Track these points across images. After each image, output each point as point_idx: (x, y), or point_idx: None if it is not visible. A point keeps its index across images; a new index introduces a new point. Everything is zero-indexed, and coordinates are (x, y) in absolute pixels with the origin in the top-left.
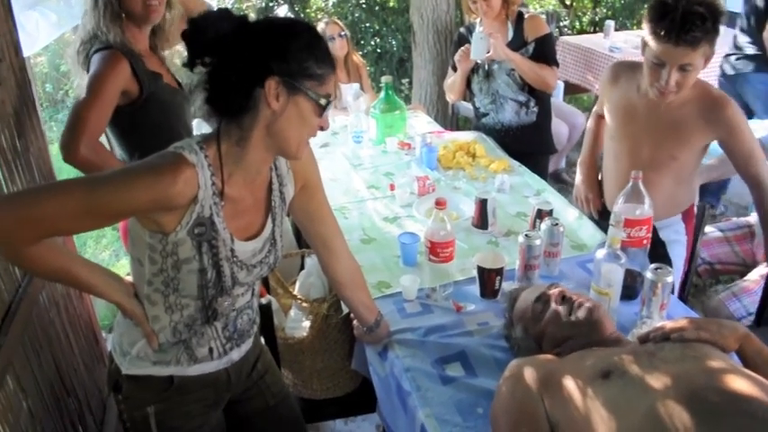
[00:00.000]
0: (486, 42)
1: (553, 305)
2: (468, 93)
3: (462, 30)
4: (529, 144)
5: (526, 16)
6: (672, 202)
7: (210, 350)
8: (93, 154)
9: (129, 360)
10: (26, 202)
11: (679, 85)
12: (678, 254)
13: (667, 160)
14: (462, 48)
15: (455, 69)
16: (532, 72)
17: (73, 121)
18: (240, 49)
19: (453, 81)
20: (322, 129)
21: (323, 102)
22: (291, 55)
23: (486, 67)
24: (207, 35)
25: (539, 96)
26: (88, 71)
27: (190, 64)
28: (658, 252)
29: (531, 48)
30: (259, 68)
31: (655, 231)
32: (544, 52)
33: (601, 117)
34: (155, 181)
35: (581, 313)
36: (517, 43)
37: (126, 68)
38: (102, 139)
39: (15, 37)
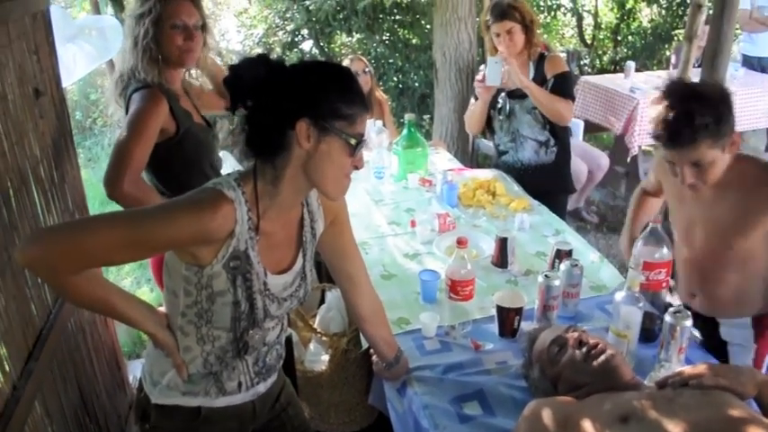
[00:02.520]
0: (501, 67)
1: (570, 350)
2: (487, 130)
3: (483, 66)
4: (548, 183)
5: (548, 56)
6: (737, 301)
7: (239, 384)
8: (136, 189)
9: (159, 390)
10: (73, 234)
11: (701, 179)
12: (740, 360)
13: (723, 250)
14: (478, 76)
15: (477, 98)
16: (547, 101)
17: (117, 158)
18: (273, 93)
19: (473, 111)
20: (357, 168)
21: (353, 141)
22: (321, 97)
23: (508, 107)
24: (245, 80)
25: (558, 136)
26: (125, 105)
27: (232, 107)
28: (716, 351)
29: (549, 84)
30: (290, 111)
31: (715, 326)
32: (561, 86)
33: (647, 193)
34: (196, 215)
35: (598, 361)
36: (537, 81)
37: (165, 106)
38: None
39: (57, 71)
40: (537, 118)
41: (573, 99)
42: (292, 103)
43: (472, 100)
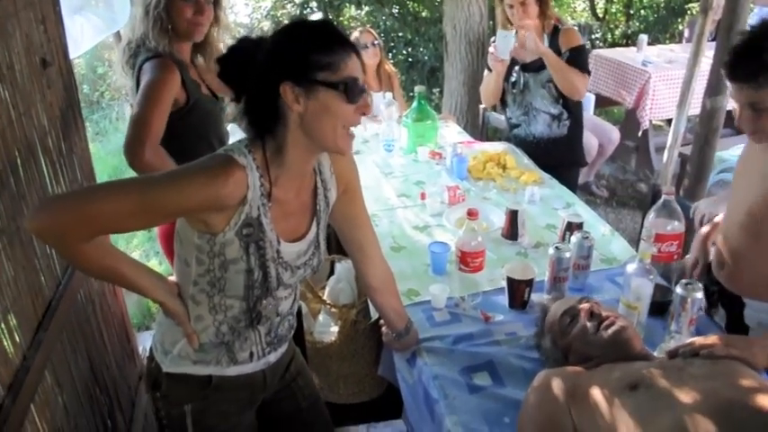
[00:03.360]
0: (512, 40)
1: (581, 321)
2: (499, 103)
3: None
4: (560, 157)
5: (562, 29)
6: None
7: (251, 354)
8: (156, 158)
9: (170, 359)
10: (83, 201)
11: (759, 126)
12: None
13: (757, 223)
14: (490, 49)
15: (490, 70)
16: (563, 72)
17: (136, 128)
18: (256, 69)
19: (487, 83)
20: (364, 114)
21: (342, 87)
22: (294, 54)
23: (522, 80)
24: (232, 69)
25: (571, 109)
26: (136, 74)
27: (236, 97)
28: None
29: (564, 57)
30: (271, 80)
31: (741, 308)
32: (577, 60)
33: None
34: (207, 181)
35: (609, 332)
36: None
37: (178, 77)
38: None
39: (64, 42)
40: (551, 91)
41: (588, 73)
42: (271, 72)
43: (486, 72)
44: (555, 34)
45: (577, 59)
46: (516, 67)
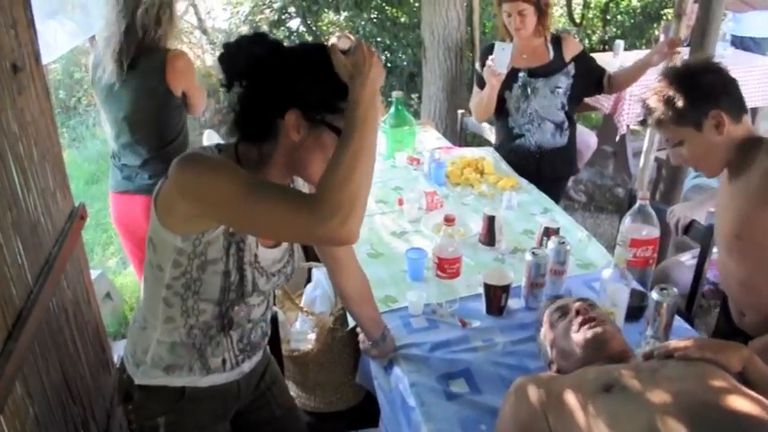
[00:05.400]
0: (509, 52)
1: (569, 316)
2: (494, 115)
3: (486, 47)
4: (561, 167)
5: (562, 36)
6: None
7: (224, 361)
8: None
9: (141, 371)
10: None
11: (682, 158)
12: None
13: (732, 240)
14: (488, 61)
15: (481, 86)
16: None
17: None
18: (267, 77)
19: (481, 98)
20: None
21: None
22: (314, 89)
23: (530, 86)
24: (238, 60)
25: (571, 118)
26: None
27: (228, 85)
28: None
29: (571, 67)
30: (281, 99)
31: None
32: (595, 66)
33: None
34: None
35: (587, 333)
36: (558, 63)
37: None
38: None
39: (36, 46)
40: (559, 97)
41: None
42: (284, 92)
43: (475, 89)
44: (557, 43)
45: (592, 65)
46: (521, 74)
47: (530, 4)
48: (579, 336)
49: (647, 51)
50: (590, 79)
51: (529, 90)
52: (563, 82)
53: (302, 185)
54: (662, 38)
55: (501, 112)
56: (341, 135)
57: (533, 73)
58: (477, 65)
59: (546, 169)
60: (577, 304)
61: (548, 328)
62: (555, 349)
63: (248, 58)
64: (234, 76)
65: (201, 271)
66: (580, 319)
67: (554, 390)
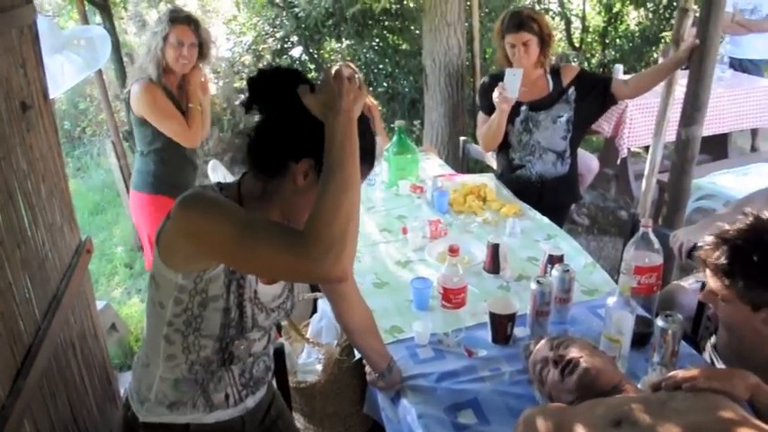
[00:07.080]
0: (520, 77)
1: (550, 368)
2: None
3: (486, 79)
4: (563, 195)
5: (561, 66)
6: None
7: (227, 396)
8: None
9: (146, 408)
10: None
11: (714, 305)
12: None
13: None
14: (498, 88)
15: (486, 113)
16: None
17: None
18: (292, 119)
19: (490, 125)
20: None
21: None
22: None
23: (532, 119)
24: (270, 88)
25: (573, 146)
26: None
27: (247, 105)
28: None
29: (571, 92)
30: (300, 145)
31: None
32: (596, 75)
33: None
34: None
35: (573, 378)
36: (558, 91)
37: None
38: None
39: (44, 83)
40: (562, 126)
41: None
42: (306, 140)
43: (481, 116)
44: (555, 73)
45: (595, 75)
46: (523, 108)
47: (534, 34)
48: (567, 383)
49: None
50: (595, 94)
51: (531, 124)
52: (565, 111)
53: None
54: (660, 60)
55: (503, 145)
56: (322, 171)
57: (534, 106)
58: (478, 97)
59: (548, 198)
60: (550, 354)
61: (538, 384)
62: (555, 399)
63: (281, 91)
64: (259, 101)
65: (203, 308)
66: (559, 368)
67: (564, 422)
